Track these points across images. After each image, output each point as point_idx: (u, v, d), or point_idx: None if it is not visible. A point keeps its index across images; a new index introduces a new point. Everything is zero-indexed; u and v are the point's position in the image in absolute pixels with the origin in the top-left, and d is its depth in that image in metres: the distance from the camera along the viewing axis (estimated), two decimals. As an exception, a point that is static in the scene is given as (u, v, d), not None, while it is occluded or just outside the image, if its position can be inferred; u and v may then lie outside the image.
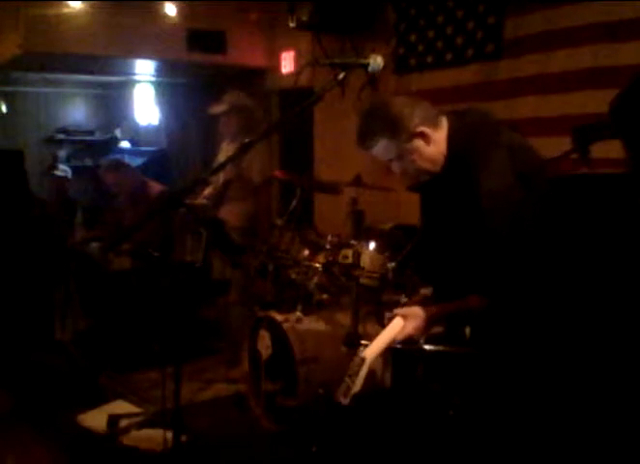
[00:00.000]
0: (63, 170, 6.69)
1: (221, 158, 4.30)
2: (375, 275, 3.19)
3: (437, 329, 2.29)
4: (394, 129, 2.05)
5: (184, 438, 2.32)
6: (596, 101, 3.18)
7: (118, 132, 8.36)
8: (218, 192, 4.20)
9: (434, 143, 2.08)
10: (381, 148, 2.09)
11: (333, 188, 4.03)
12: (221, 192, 4.19)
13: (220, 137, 4.38)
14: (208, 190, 4.28)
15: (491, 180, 1.98)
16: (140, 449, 3.14)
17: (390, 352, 2.94)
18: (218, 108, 4.20)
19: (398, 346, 2.63)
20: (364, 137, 2.11)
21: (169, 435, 2.29)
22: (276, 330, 3.23)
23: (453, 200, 2.12)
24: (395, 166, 2.13)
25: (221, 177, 4.15)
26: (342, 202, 3.87)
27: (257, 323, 3.38)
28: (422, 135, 2.06)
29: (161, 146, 8.06)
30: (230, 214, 4.13)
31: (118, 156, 6.46)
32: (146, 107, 8.06)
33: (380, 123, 2.08)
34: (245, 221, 4.12)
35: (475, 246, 2.07)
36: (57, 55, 5.49)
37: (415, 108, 2.08)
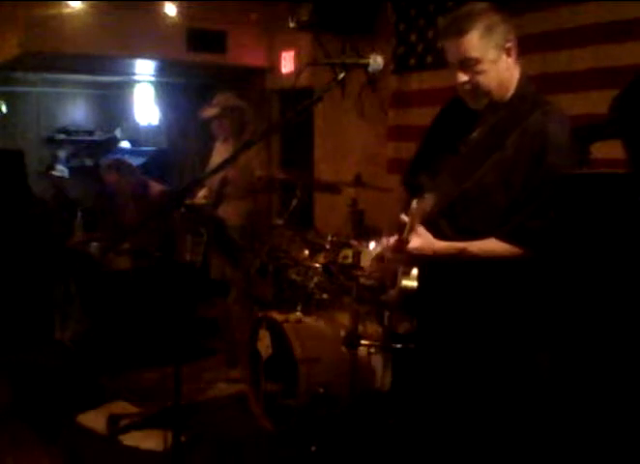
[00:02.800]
0: (60, 170, 6.70)
1: (215, 158, 4.32)
2: (375, 275, 3.19)
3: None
4: (493, 29, 1.94)
5: (184, 438, 2.32)
6: (596, 102, 3.18)
7: (118, 132, 8.36)
8: (215, 192, 4.20)
9: (509, 69, 2.01)
10: (469, 40, 1.93)
11: (333, 188, 4.03)
12: (218, 191, 4.19)
13: (220, 139, 4.39)
14: (203, 192, 4.28)
15: (561, 128, 1.95)
16: (140, 449, 3.14)
17: (390, 354, 2.95)
18: (210, 112, 4.23)
19: (398, 346, 2.62)
20: (462, 20, 1.95)
21: (169, 435, 2.29)
22: (276, 330, 3.23)
23: (493, 138, 2.00)
24: (462, 75, 1.99)
25: (217, 176, 4.15)
26: (342, 202, 3.88)
27: (257, 323, 3.38)
28: (509, 53, 1.98)
29: (161, 146, 8.06)
30: (228, 212, 4.13)
31: (118, 156, 6.46)
32: (146, 107, 8.06)
33: (483, 17, 1.95)
34: (243, 220, 4.12)
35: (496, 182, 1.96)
36: (57, 55, 5.49)
37: (511, 28, 2.00)
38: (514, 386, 2.07)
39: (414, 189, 2.29)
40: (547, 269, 1.99)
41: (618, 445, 1.79)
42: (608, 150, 2.45)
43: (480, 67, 1.96)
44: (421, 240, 1.96)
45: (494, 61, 1.96)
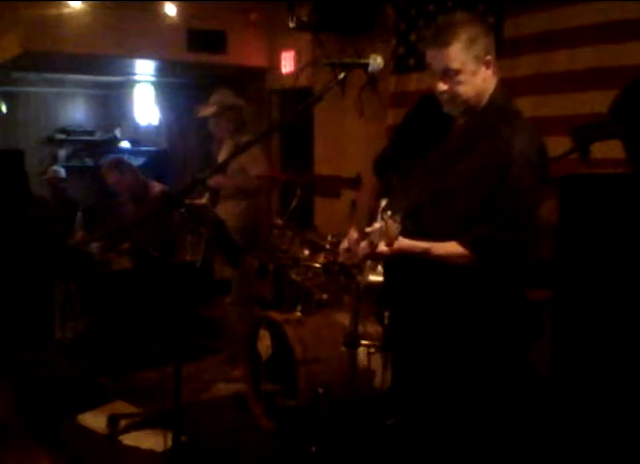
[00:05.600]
0: (54, 171, 6.69)
1: (220, 158, 4.30)
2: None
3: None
4: (474, 42, 2.00)
5: (184, 438, 2.32)
6: (596, 102, 3.18)
7: (118, 132, 8.36)
8: (210, 194, 4.20)
9: (486, 81, 2.07)
10: (451, 51, 2.00)
11: (332, 193, 4.02)
12: (212, 194, 4.18)
13: (218, 138, 4.37)
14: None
15: (527, 142, 1.98)
16: (140, 449, 3.14)
17: (389, 352, 2.94)
18: (207, 111, 4.19)
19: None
20: (446, 31, 2.01)
21: (169, 435, 2.29)
22: (276, 330, 3.23)
23: (462, 148, 2.07)
24: (442, 84, 2.06)
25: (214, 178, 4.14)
26: (342, 202, 3.88)
27: (257, 323, 3.38)
28: (488, 65, 2.05)
29: (161, 146, 8.06)
30: (224, 213, 4.12)
31: (118, 156, 6.46)
32: (146, 107, 8.06)
33: (467, 29, 2.01)
34: (239, 221, 4.09)
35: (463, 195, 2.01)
36: (57, 55, 5.49)
37: (491, 42, 2.07)
38: (507, 378, 2.09)
39: (383, 174, 2.40)
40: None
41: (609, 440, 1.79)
42: (608, 150, 2.46)
43: (459, 77, 2.02)
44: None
45: (473, 72, 2.03)
